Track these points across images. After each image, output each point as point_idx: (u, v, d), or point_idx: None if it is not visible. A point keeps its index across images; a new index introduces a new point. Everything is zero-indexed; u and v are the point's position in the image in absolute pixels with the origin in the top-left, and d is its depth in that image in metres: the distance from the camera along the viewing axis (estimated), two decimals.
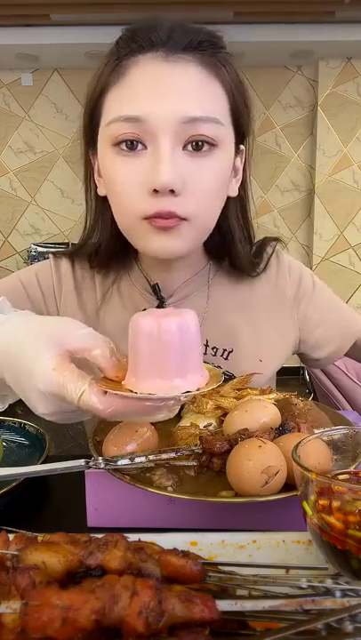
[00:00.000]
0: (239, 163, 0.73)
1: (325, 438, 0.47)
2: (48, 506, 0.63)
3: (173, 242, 0.66)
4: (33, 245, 3.81)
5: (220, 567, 0.38)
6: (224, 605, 0.31)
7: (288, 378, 0.91)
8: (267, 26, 3.27)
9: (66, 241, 3.93)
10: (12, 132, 3.95)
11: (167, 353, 0.42)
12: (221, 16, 3.01)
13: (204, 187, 0.64)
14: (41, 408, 0.46)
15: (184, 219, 0.64)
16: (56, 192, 4.00)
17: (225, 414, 0.64)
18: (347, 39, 3.38)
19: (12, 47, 3.44)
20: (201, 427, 0.62)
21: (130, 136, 0.62)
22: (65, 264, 0.82)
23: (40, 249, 3.75)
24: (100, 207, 0.76)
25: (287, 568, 0.39)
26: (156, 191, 0.61)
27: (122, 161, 0.64)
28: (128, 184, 0.64)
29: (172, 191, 0.61)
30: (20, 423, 0.78)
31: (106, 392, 0.43)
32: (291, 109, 3.95)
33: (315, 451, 0.46)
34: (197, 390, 0.44)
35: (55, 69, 3.84)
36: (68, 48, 3.42)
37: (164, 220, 0.63)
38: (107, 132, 0.65)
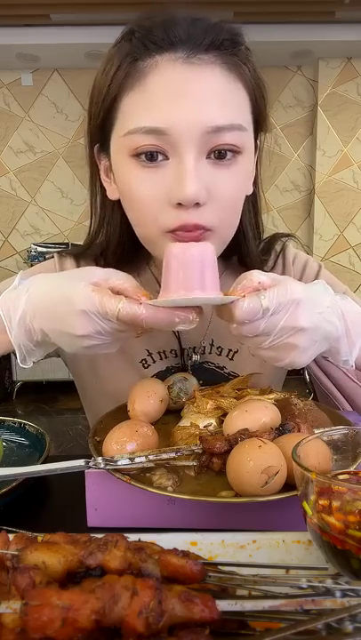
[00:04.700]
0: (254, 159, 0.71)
1: (325, 438, 0.47)
2: (48, 506, 0.63)
3: None
4: (33, 245, 3.82)
5: (220, 567, 0.38)
6: (224, 605, 0.31)
7: (288, 378, 0.91)
8: (267, 26, 3.27)
9: (66, 241, 3.92)
10: (12, 132, 3.95)
11: (190, 270, 0.52)
12: (221, 16, 3.00)
13: (228, 196, 0.62)
14: (80, 330, 0.51)
15: (208, 229, 0.61)
16: (56, 192, 3.99)
17: (225, 414, 0.64)
18: (347, 39, 3.39)
19: (12, 47, 3.45)
20: (201, 427, 0.62)
21: (151, 148, 0.59)
22: (70, 264, 0.80)
23: (40, 249, 3.75)
24: (109, 210, 0.72)
25: (287, 568, 0.39)
26: (179, 204, 0.59)
27: (142, 173, 0.60)
28: (150, 198, 0.60)
29: (196, 204, 0.59)
30: (20, 423, 0.78)
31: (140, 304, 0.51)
32: (291, 109, 3.95)
33: (315, 451, 0.46)
34: (217, 296, 0.52)
35: (55, 69, 3.84)
36: (68, 48, 3.43)
37: (188, 234, 0.60)
38: (125, 143, 0.60)
